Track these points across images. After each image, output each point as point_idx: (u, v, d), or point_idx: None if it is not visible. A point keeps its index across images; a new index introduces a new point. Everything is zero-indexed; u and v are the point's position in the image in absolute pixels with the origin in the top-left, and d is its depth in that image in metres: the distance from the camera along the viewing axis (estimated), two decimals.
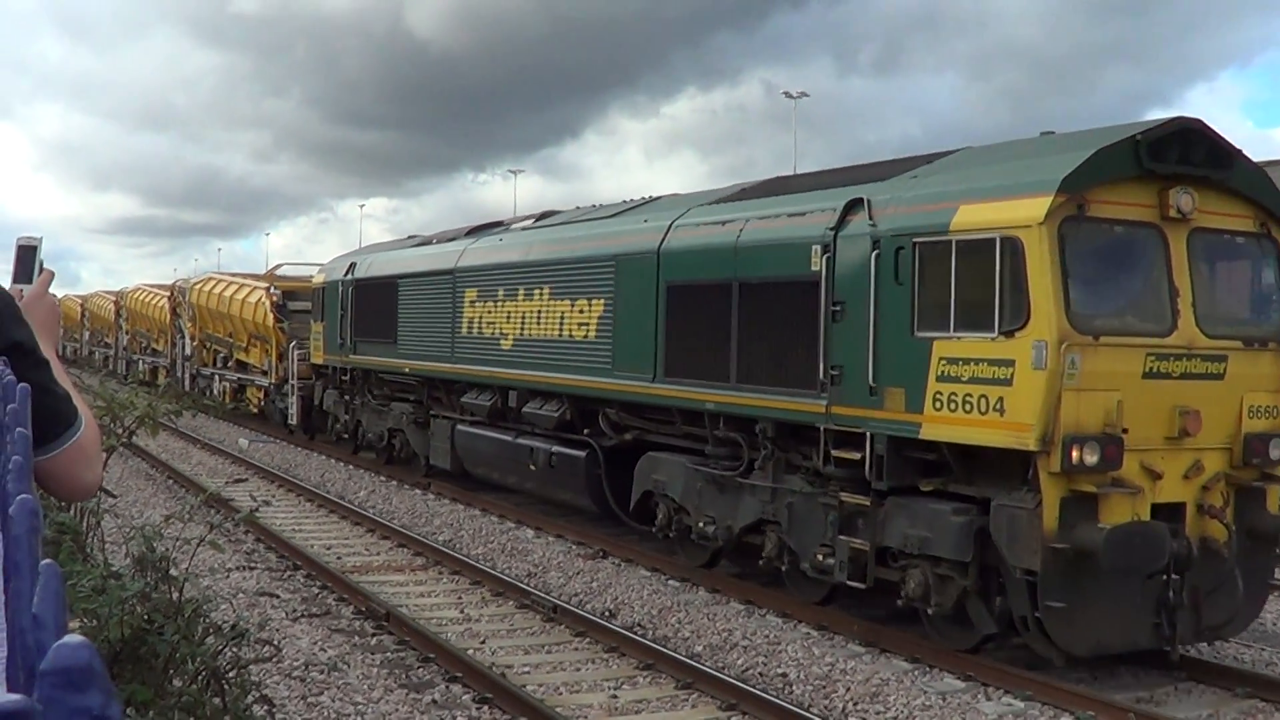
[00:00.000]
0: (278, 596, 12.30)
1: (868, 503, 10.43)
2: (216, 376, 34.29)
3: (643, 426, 14.18)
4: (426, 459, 20.25)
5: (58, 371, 2.20)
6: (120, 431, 9.76)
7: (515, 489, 18.02)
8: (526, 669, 10.12)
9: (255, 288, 30.70)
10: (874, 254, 10.30)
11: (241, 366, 32.21)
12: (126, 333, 49.12)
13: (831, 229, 10.88)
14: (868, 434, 10.35)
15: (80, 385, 2.43)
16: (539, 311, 15.79)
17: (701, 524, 12.70)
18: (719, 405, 12.22)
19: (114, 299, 52.54)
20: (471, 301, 17.83)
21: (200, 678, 6.60)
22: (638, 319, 13.44)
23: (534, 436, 16.27)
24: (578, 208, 18.39)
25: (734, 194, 13.37)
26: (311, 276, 27.87)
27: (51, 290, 2.53)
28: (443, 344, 18.71)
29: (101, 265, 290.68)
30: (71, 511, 8.58)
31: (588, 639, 11.03)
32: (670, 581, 13.31)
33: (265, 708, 7.35)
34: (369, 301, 21.94)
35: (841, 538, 10.70)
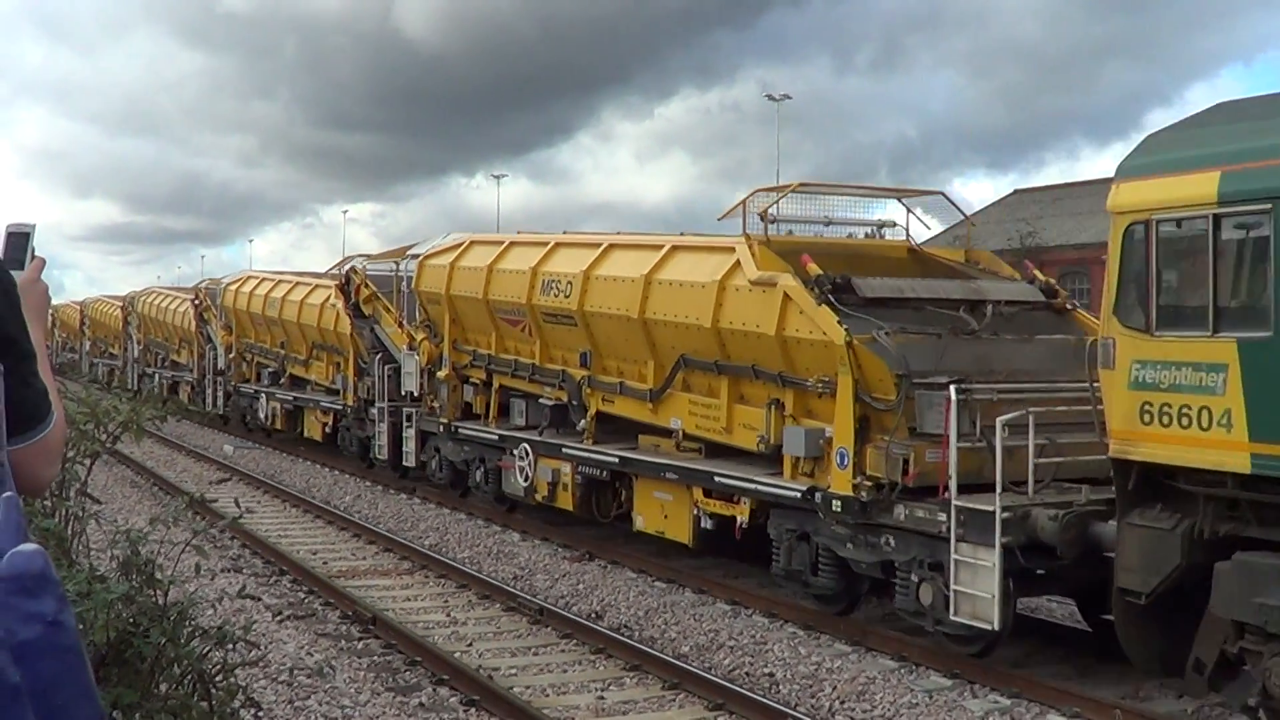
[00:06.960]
0: (259, 599, 12.26)
1: None
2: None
3: None
4: None
5: (42, 364, 2.21)
6: (104, 437, 9.69)
7: None
8: (513, 671, 10.12)
9: (715, 248, 13.46)
10: None
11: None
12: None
13: None
14: None
15: (64, 391, 2.47)
16: None
17: None
18: None
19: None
20: None
21: (187, 681, 6.58)
22: None
23: None
24: None
25: None
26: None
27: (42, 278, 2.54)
28: None
29: (85, 274, 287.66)
30: (56, 517, 8.53)
31: (574, 640, 11.04)
32: (656, 583, 13.32)
33: (253, 711, 7.33)
34: None
35: None
